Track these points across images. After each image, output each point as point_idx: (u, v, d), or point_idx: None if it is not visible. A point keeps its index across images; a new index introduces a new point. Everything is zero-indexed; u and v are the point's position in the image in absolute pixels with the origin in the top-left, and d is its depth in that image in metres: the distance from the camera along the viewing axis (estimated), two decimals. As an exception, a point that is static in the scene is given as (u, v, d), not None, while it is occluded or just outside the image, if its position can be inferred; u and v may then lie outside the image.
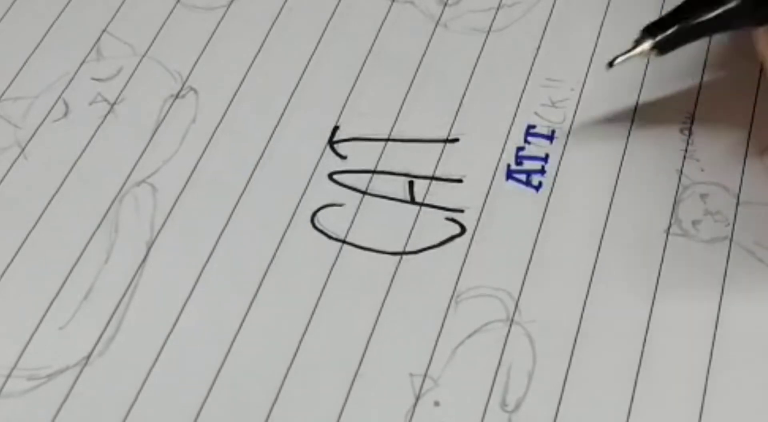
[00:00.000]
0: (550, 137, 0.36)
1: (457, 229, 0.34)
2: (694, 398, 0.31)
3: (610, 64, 0.32)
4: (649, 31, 0.32)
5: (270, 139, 0.36)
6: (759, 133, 0.36)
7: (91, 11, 0.39)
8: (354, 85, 0.38)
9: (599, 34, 0.39)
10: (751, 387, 0.31)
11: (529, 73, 0.38)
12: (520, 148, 0.36)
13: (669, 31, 0.31)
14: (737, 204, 0.35)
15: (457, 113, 0.37)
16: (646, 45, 0.32)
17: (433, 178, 0.36)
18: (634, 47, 0.32)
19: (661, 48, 0.32)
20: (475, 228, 0.34)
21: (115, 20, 0.39)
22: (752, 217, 0.34)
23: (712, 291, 0.33)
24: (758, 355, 0.32)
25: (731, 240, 0.34)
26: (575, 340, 0.32)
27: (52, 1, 0.40)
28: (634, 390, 0.31)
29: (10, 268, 0.33)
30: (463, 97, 0.37)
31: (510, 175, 0.36)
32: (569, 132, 0.36)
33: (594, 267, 0.33)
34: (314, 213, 0.35)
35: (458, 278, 0.33)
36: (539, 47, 0.39)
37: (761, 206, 0.34)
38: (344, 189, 0.35)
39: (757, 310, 0.32)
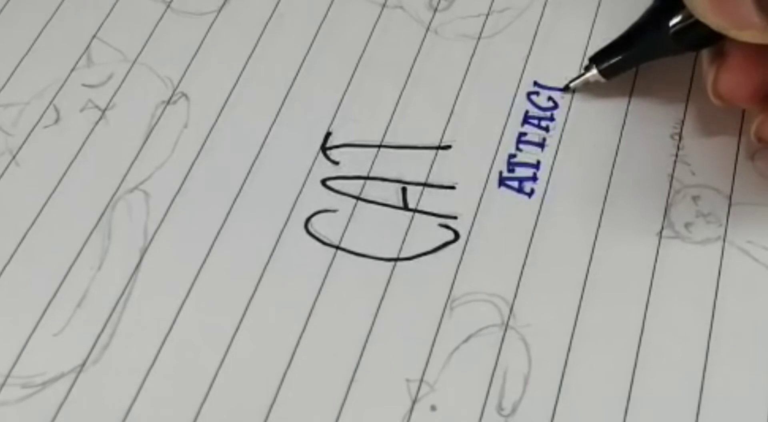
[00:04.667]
0: (541, 144, 0.37)
1: (450, 235, 0.34)
2: (690, 398, 0.31)
3: (566, 88, 0.38)
4: (594, 59, 0.37)
5: (262, 145, 0.36)
6: (749, 136, 0.36)
7: (81, 17, 0.39)
8: (346, 91, 0.38)
9: (589, 40, 0.39)
10: (748, 386, 0.31)
11: (520, 80, 0.38)
12: (511, 155, 0.36)
13: (610, 61, 0.37)
14: (729, 205, 0.35)
15: (448, 120, 0.37)
16: (594, 71, 0.37)
17: (425, 184, 0.36)
18: (583, 73, 0.37)
19: (605, 74, 0.37)
20: (469, 234, 0.34)
21: (105, 26, 0.39)
22: (745, 217, 0.34)
23: (707, 291, 0.33)
24: (755, 353, 0.32)
25: (724, 241, 0.34)
26: (570, 344, 0.32)
27: (41, 8, 0.39)
28: (630, 392, 0.31)
29: (3, 275, 0.33)
30: (454, 104, 0.37)
31: (502, 181, 0.36)
32: (560, 139, 0.37)
33: (587, 271, 0.33)
34: (308, 219, 0.35)
35: (453, 284, 0.33)
36: (529, 54, 0.39)
37: (754, 206, 0.35)
38: (337, 195, 0.35)
39: (752, 308, 0.33)
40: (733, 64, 0.33)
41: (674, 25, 0.34)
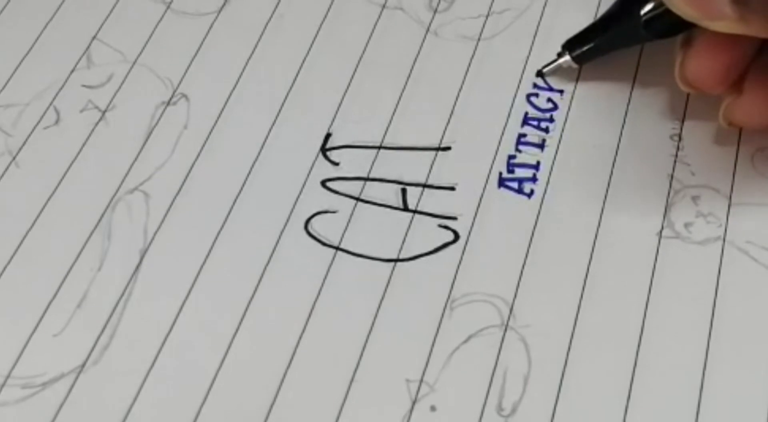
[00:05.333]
0: (541, 145, 0.37)
1: (450, 236, 0.34)
2: (690, 398, 0.31)
3: (539, 73, 0.38)
4: (567, 46, 0.37)
5: (262, 145, 0.36)
6: (749, 137, 0.36)
7: (81, 18, 0.39)
8: (346, 92, 0.38)
9: (588, 41, 0.39)
10: (748, 386, 0.31)
11: (520, 81, 0.38)
12: (511, 156, 0.36)
13: (582, 48, 0.37)
14: (729, 205, 0.35)
15: (448, 121, 0.37)
16: (566, 57, 0.37)
17: (425, 185, 0.36)
18: (556, 59, 0.38)
19: (578, 60, 0.37)
20: (469, 235, 0.34)
21: (105, 27, 0.39)
22: (745, 217, 0.35)
23: (706, 291, 0.33)
24: (755, 353, 0.32)
25: (724, 241, 0.34)
26: (570, 344, 0.32)
27: (41, 8, 0.39)
28: (629, 393, 0.31)
29: (3, 275, 0.33)
30: (454, 105, 0.37)
31: (502, 182, 0.36)
32: (560, 140, 0.37)
33: (587, 271, 0.33)
34: (308, 220, 0.35)
35: (452, 284, 0.33)
36: (529, 55, 0.39)
37: (753, 206, 0.35)
38: (337, 196, 0.35)
39: (752, 308, 0.33)
40: (700, 50, 0.33)
41: (645, 14, 0.34)
